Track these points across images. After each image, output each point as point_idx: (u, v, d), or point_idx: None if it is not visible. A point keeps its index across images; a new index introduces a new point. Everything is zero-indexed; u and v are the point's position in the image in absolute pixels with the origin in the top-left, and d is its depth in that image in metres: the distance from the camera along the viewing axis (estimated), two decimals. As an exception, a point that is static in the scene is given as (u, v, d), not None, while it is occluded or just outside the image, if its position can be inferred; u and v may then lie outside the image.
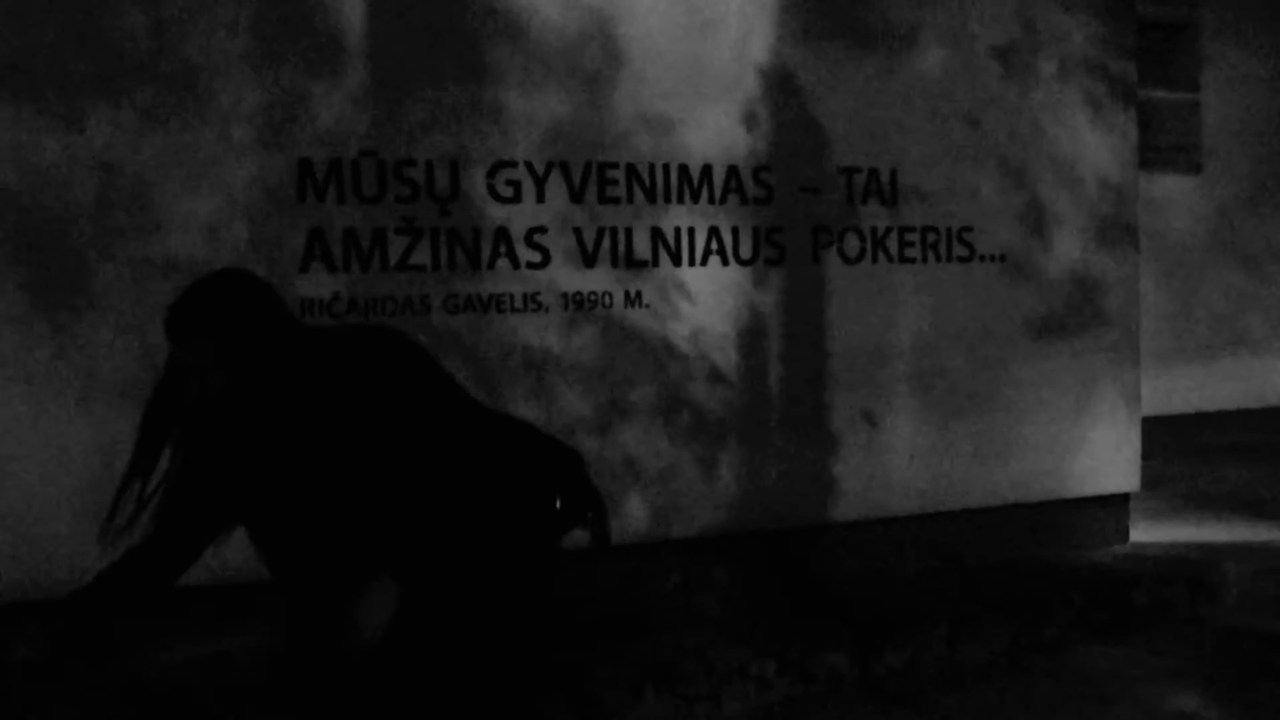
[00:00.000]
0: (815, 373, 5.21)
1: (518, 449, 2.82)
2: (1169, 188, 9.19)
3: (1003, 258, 5.59)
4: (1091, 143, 5.81)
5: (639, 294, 4.87)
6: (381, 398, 2.63)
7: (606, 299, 4.82)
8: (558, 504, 2.79)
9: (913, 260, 5.39)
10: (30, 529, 4.08)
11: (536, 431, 2.96)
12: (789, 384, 5.16)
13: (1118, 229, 5.88)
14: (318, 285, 4.42)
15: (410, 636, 2.59)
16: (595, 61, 4.80)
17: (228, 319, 2.66)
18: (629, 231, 4.86)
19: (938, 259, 5.43)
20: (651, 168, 4.89)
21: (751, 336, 5.08)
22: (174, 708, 3.97)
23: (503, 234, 4.67)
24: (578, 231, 4.78)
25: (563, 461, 2.90)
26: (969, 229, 5.50)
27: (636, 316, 4.88)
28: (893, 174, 5.33)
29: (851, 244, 5.26)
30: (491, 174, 4.66)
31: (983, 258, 5.54)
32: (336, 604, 2.65)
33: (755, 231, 5.08)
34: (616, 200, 4.83)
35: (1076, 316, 5.77)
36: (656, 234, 4.90)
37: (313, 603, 2.69)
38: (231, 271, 2.95)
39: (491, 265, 4.66)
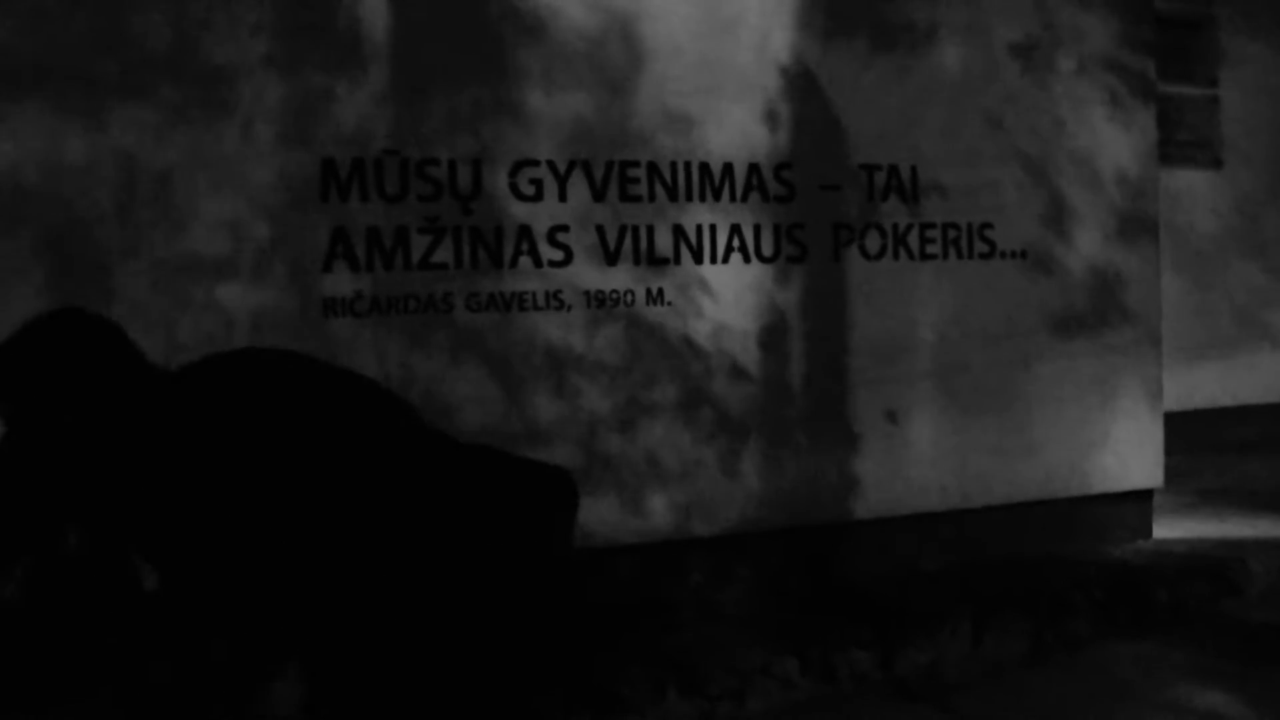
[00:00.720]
0: (837, 370, 5.20)
1: (452, 493, 2.34)
2: (1189, 182, 9.15)
3: (1024, 254, 5.58)
4: (1111, 138, 5.79)
5: (661, 292, 4.87)
6: (258, 449, 2.19)
7: (629, 297, 4.82)
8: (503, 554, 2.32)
9: (934, 257, 5.38)
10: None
11: (493, 463, 2.49)
12: (811, 381, 5.15)
13: (1138, 224, 5.86)
14: (341, 284, 4.43)
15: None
16: (617, 60, 4.81)
17: (36, 377, 2.26)
18: (651, 229, 4.86)
19: (959, 256, 5.43)
20: (673, 166, 4.89)
21: (773, 334, 5.08)
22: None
23: (525, 232, 4.67)
24: (600, 230, 4.78)
25: (525, 503, 2.44)
26: (990, 225, 5.49)
27: (658, 314, 4.88)
28: (913, 171, 5.32)
29: (873, 241, 5.25)
30: (514, 173, 4.66)
31: (1004, 254, 5.53)
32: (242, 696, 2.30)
33: (777, 229, 5.08)
34: (638, 198, 4.84)
35: (1098, 312, 5.76)
36: (678, 232, 4.90)
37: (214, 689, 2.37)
38: (53, 318, 2.38)
39: (514, 264, 4.66)
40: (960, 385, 5.44)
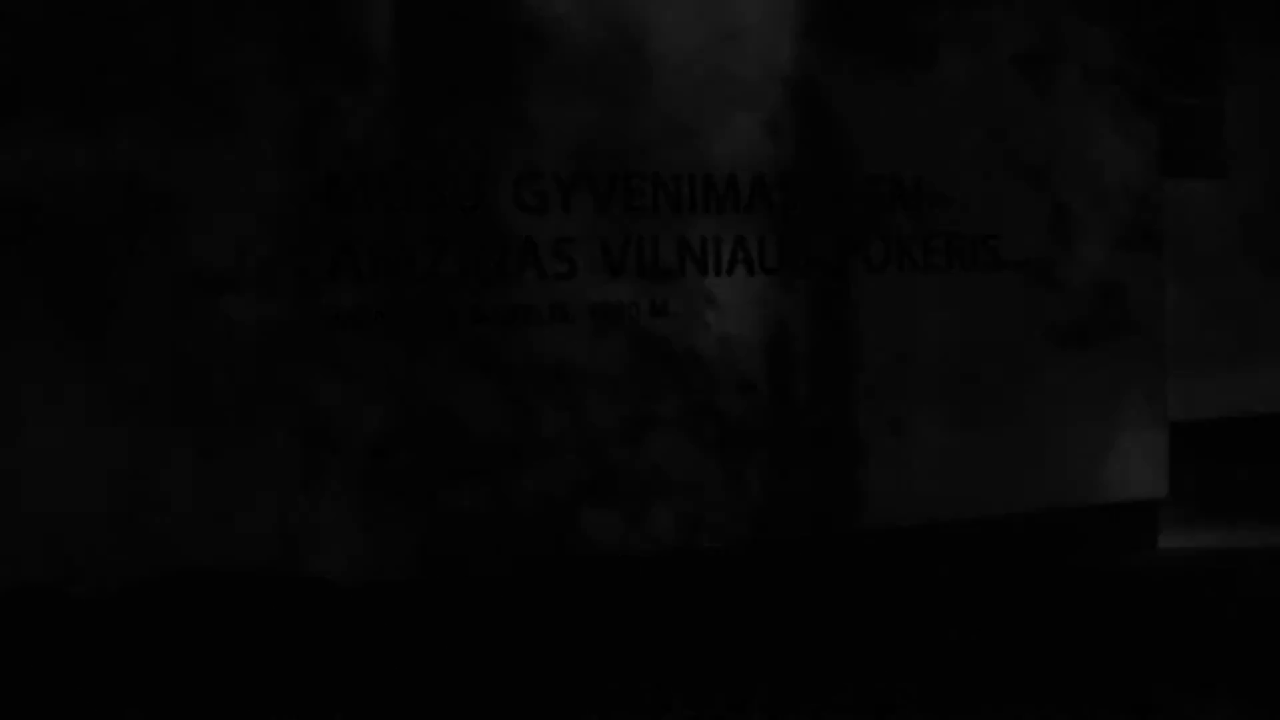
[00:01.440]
0: (842, 381, 5.21)
1: None
2: (1192, 192, 9.16)
3: (1028, 265, 5.58)
4: (1115, 149, 5.80)
5: (665, 303, 4.88)
6: None
7: (633, 309, 4.83)
8: None
9: (938, 268, 5.38)
10: (57, 535, 4.11)
11: None
12: (815, 392, 5.16)
13: (1142, 235, 5.87)
14: (345, 296, 4.44)
15: None
16: (621, 73, 4.82)
17: None
18: (655, 241, 4.87)
19: (963, 267, 5.43)
20: (677, 178, 4.90)
21: (778, 345, 5.08)
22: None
23: (530, 244, 4.68)
24: (604, 241, 4.79)
25: None
26: (994, 236, 5.50)
27: (663, 326, 4.89)
28: (917, 182, 5.33)
29: (877, 252, 5.26)
30: (518, 185, 4.68)
31: (1007, 265, 5.54)
32: None
33: (781, 240, 5.09)
34: (643, 210, 4.85)
35: (1101, 323, 5.76)
36: (683, 243, 4.91)
37: None
38: None
39: (518, 276, 4.67)
40: (965, 396, 5.44)
